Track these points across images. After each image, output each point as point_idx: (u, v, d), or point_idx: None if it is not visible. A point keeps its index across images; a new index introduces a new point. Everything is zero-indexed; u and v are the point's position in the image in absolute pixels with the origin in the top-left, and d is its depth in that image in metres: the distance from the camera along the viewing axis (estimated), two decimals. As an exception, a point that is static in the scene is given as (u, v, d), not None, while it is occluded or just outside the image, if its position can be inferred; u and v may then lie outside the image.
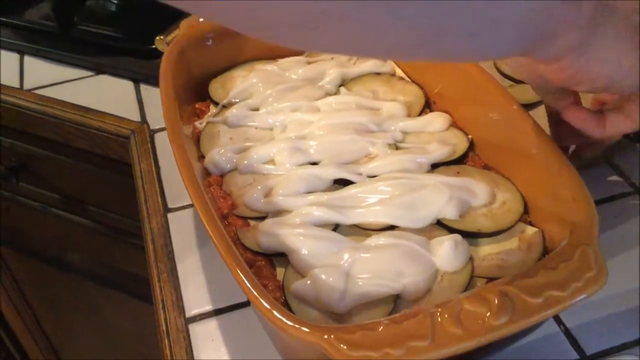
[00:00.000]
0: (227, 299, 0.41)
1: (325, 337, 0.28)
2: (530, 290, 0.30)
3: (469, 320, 0.29)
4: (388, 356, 0.27)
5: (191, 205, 0.47)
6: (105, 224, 0.71)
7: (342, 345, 0.28)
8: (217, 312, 0.41)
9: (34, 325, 1.01)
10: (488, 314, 0.29)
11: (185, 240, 0.45)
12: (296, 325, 0.29)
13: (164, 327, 0.40)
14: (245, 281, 0.32)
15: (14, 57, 0.66)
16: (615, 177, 0.46)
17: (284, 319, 0.29)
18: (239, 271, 0.32)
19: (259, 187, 0.40)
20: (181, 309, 0.41)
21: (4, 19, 0.69)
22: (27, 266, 0.89)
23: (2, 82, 0.63)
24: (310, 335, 0.28)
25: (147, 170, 0.50)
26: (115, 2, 0.70)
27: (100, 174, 0.64)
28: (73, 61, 0.64)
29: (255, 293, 0.31)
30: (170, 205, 0.48)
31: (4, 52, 0.67)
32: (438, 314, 0.29)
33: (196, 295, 0.42)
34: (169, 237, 0.46)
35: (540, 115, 0.48)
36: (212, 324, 0.40)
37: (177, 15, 0.58)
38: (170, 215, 0.47)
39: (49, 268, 0.84)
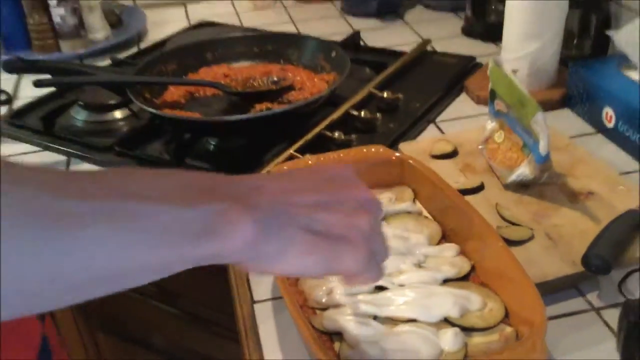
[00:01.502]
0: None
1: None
2: (497, 362, 0.47)
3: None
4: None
5: (271, 299, 0.66)
6: (191, 313, 0.89)
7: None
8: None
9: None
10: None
11: (269, 328, 0.63)
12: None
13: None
14: (318, 348, 0.50)
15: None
16: (578, 299, 0.63)
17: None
18: (313, 342, 0.50)
19: (324, 288, 0.59)
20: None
21: (130, 152, 0.91)
22: (113, 343, 1.07)
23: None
24: None
25: (239, 275, 0.70)
26: (213, 143, 0.92)
27: (195, 273, 0.83)
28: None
29: (325, 356, 0.49)
30: (256, 298, 0.66)
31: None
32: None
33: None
34: (256, 326, 0.64)
35: (525, 251, 0.66)
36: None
37: (263, 160, 0.79)
38: (256, 306, 0.66)
39: (133, 346, 1.02)
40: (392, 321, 0.55)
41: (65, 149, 0.92)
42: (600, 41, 0.96)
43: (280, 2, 1.47)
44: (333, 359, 0.48)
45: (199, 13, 1.43)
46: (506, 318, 0.56)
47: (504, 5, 0.94)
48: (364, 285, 0.57)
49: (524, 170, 0.75)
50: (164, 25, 1.37)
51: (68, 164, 0.91)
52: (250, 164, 0.83)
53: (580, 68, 0.92)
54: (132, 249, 0.33)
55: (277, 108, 0.91)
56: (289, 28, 1.31)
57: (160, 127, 0.94)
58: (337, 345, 0.54)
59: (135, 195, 0.33)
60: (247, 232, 0.36)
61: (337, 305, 0.57)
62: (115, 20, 1.34)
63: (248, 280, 0.69)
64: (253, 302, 0.66)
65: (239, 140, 0.91)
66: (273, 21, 1.36)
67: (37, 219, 0.29)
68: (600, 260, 0.62)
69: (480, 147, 0.83)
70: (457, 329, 0.53)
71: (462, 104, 0.98)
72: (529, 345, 0.48)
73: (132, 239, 0.33)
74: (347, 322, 0.54)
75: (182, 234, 0.34)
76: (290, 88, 0.97)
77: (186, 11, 1.45)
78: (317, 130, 0.86)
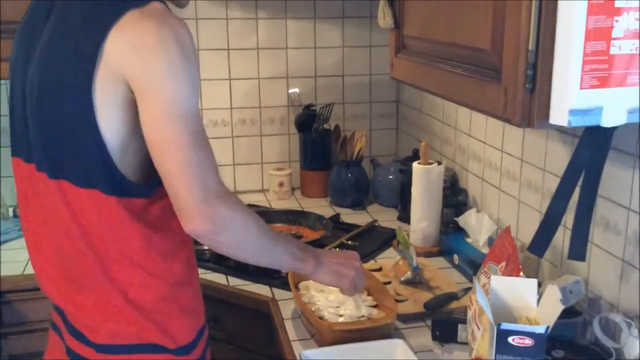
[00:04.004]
0: None
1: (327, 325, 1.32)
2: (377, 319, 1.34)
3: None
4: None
5: (290, 318, 1.51)
6: (242, 347, 1.72)
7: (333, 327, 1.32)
8: None
9: None
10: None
11: (290, 327, 1.48)
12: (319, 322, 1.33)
13: None
14: (309, 312, 1.36)
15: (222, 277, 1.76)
16: (422, 322, 1.49)
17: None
18: (307, 311, 1.37)
19: (316, 305, 1.45)
20: None
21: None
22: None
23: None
24: (326, 323, 1.33)
25: (280, 323, 1.55)
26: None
27: (246, 322, 1.68)
28: (239, 275, 1.73)
29: (307, 312, 1.35)
30: (284, 317, 1.52)
31: (213, 274, 1.77)
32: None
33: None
34: (284, 325, 1.48)
35: (402, 305, 1.53)
36: None
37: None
38: (285, 320, 1.51)
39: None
40: (341, 315, 1.42)
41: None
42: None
43: (293, 196, 2.44)
44: (316, 316, 1.34)
45: (246, 199, 2.39)
46: (388, 318, 1.42)
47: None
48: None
49: (408, 274, 1.64)
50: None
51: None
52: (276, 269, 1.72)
53: (446, 236, 1.85)
54: (287, 259, 1.25)
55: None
56: (298, 209, 2.26)
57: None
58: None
59: (292, 246, 1.26)
60: (311, 266, 1.28)
61: (319, 310, 1.44)
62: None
63: (279, 310, 1.55)
64: (282, 318, 1.52)
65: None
66: (289, 206, 2.31)
67: (274, 243, 1.22)
68: (431, 306, 1.50)
69: (392, 266, 1.73)
70: (366, 317, 1.40)
71: (389, 251, 1.90)
72: (388, 318, 1.35)
73: (288, 256, 1.24)
74: (323, 312, 1.41)
75: (298, 260, 1.26)
76: (301, 237, 1.90)
77: (237, 197, 2.42)
78: (314, 255, 1.77)
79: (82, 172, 1.12)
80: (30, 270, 1.82)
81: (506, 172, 1.73)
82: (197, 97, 1.10)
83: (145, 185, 1.15)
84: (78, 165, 1.12)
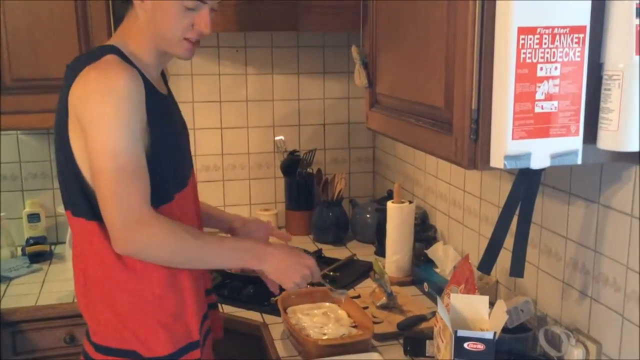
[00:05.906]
0: None
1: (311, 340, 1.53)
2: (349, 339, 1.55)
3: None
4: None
5: (280, 339, 1.71)
6: (236, 367, 1.91)
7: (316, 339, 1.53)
8: None
9: None
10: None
11: (280, 346, 1.68)
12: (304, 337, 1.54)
13: None
14: (295, 331, 1.57)
15: (217, 304, 1.96)
16: (395, 341, 1.71)
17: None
18: (293, 329, 1.58)
19: (303, 325, 1.66)
20: None
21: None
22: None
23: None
24: (310, 339, 1.54)
25: (271, 343, 1.76)
26: (252, 290, 2.02)
27: (239, 345, 1.87)
28: (233, 303, 1.93)
29: (296, 331, 1.56)
30: (274, 338, 1.72)
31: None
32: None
33: None
34: (274, 345, 1.69)
35: (378, 325, 1.75)
36: None
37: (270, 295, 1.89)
38: (275, 341, 1.71)
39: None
40: (325, 333, 1.63)
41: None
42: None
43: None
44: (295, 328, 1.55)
45: (236, 236, 2.60)
46: (365, 335, 1.63)
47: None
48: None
49: (383, 300, 1.86)
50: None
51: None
52: (265, 297, 1.92)
53: (416, 267, 2.08)
54: (222, 263, 1.46)
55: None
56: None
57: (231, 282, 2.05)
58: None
59: (227, 251, 1.42)
60: (255, 265, 1.41)
61: (306, 329, 1.65)
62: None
63: (269, 333, 1.75)
64: (273, 339, 1.72)
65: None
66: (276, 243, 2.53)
67: (204, 242, 1.37)
68: (403, 326, 1.72)
69: (370, 294, 1.94)
70: (346, 335, 1.61)
71: (367, 281, 2.12)
72: (365, 335, 1.57)
73: (222, 260, 1.42)
74: (309, 332, 1.62)
75: (237, 260, 1.44)
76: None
77: (228, 235, 2.63)
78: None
79: (71, 202, 1.39)
80: (41, 302, 2.02)
81: (468, 209, 1.97)
82: (131, 134, 1.28)
83: None
84: (69, 197, 1.39)
